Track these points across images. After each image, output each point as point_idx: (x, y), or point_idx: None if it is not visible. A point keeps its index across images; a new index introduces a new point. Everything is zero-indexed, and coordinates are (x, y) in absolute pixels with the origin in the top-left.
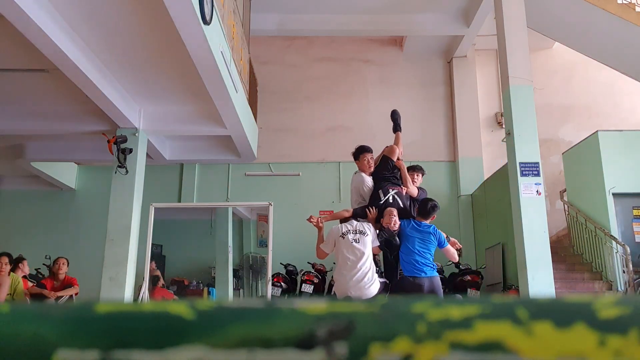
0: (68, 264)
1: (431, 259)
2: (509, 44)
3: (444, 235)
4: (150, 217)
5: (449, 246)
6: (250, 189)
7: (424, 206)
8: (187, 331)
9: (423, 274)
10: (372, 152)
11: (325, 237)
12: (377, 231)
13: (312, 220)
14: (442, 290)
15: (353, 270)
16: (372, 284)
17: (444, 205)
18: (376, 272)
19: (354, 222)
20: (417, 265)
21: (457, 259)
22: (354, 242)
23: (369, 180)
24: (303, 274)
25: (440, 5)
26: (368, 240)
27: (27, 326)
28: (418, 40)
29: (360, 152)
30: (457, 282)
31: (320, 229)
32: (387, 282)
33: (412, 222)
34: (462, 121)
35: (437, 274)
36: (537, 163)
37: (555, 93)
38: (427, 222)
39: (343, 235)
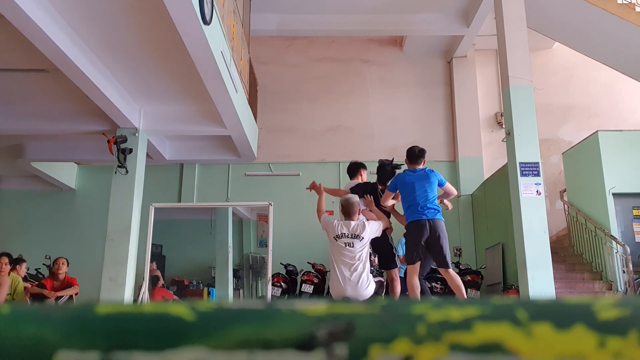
0: (68, 264)
1: (434, 201)
2: (509, 44)
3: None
4: (150, 217)
5: (448, 183)
6: (250, 189)
7: (412, 153)
8: (187, 332)
9: (424, 217)
10: (366, 168)
11: (322, 222)
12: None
13: (314, 187)
14: (446, 233)
15: (347, 274)
16: (368, 286)
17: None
18: (371, 273)
19: (352, 224)
20: (418, 209)
21: (456, 192)
22: (347, 246)
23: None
24: (303, 274)
25: (440, 5)
26: (363, 244)
27: (27, 327)
28: (418, 40)
29: (358, 169)
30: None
31: (321, 192)
32: (383, 281)
33: (406, 171)
34: (462, 121)
35: (442, 217)
36: (537, 163)
37: (555, 93)
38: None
39: (337, 237)
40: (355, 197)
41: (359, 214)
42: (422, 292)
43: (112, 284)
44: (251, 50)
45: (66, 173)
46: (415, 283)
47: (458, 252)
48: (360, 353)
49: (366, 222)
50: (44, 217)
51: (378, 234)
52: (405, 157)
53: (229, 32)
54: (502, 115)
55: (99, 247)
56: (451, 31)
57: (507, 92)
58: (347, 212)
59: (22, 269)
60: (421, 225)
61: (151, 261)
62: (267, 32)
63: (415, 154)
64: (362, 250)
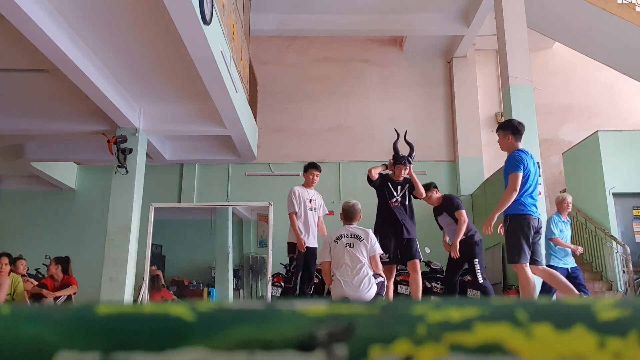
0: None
1: None
2: (509, 44)
3: None
4: (150, 217)
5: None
6: (250, 189)
7: (516, 127)
8: (187, 333)
9: (537, 214)
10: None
11: (322, 248)
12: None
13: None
14: None
15: (347, 277)
16: (369, 289)
17: None
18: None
19: (351, 227)
20: (534, 203)
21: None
22: (347, 247)
23: (304, 192)
24: None
25: (440, 5)
26: (363, 246)
27: (28, 328)
28: (418, 40)
29: (307, 169)
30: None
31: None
32: (384, 281)
33: (523, 150)
34: (462, 121)
35: None
36: (537, 163)
37: (555, 93)
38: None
39: (337, 240)
40: (358, 204)
41: (359, 219)
42: (452, 293)
43: (112, 284)
44: (251, 50)
45: (66, 173)
46: (533, 278)
47: None
48: (360, 353)
49: (369, 230)
50: (44, 217)
51: (378, 246)
52: (507, 132)
53: (229, 32)
54: (502, 115)
55: (99, 247)
56: (451, 31)
57: (507, 92)
58: (349, 217)
59: (21, 267)
60: (535, 222)
61: (151, 263)
62: (267, 32)
63: (521, 128)
64: (364, 252)
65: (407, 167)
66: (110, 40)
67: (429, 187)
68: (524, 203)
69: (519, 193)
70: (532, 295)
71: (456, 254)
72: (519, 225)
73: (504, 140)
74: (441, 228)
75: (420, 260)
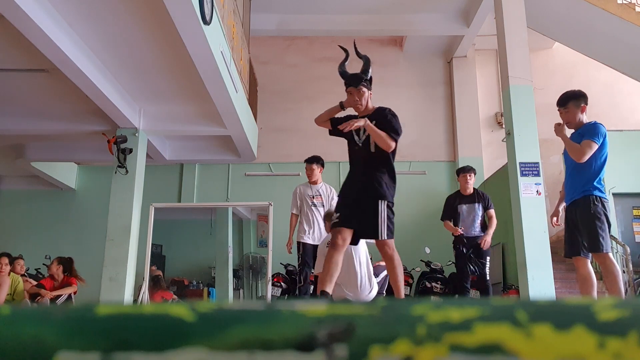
0: None
1: None
2: (509, 44)
3: None
4: (150, 217)
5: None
6: (250, 189)
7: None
8: (187, 333)
9: None
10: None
11: (317, 257)
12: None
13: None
14: None
15: (345, 280)
16: (371, 291)
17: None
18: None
19: None
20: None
21: None
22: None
23: (306, 189)
24: None
25: (440, 5)
26: (359, 246)
27: (27, 328)
28: (418, 40)
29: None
30: (457, 282)
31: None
32: (387, 276)
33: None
34: (462, 121)
35: None
36: (537, 163)
37: (555, 93)
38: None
39: (329, 244)
40: None
41: None
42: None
43: (112, 284)
44: (251, 50)
45: (66, 173)
46: (593, 274)
47: None
48: (360, 354)
49: None
50: (44, 217)
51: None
52: (580, 101)
53: (229, 32)
54: (502, 115)
55: (99, 247)
56: (451, 31)
57: (507, 92)
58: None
59: (19, 267)
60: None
61: (151, 263)
62: (267, 32)
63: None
64: (360, 253)
65: (361, 90)
66: (110, 40)
67: (469, 170)
68: (603, 186)
69: (597, 174)
70: (621, 289)
71: (487, 245)
72: (605, 209)
73: (577, 112)
74: (448, 218)
75: (387, 238)
